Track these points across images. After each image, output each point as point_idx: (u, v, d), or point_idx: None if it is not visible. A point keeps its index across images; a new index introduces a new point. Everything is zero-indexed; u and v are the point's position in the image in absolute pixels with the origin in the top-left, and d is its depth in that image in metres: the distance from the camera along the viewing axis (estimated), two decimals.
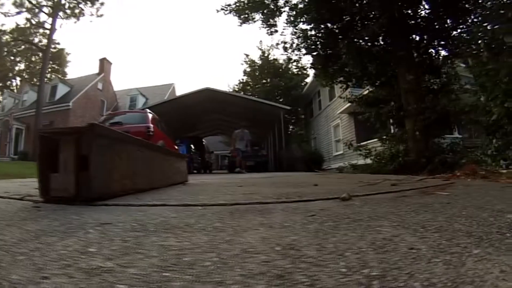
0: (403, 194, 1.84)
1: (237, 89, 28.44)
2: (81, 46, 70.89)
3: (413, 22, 6.41)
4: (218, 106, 18.05)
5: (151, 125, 7.73)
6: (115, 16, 69.38)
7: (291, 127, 25.37)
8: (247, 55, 29.15)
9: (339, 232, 0.92)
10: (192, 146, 16.05)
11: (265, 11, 7.22)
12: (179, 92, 26.40)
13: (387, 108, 6.94)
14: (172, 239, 0.86)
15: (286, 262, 0.65)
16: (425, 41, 6.46)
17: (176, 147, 11.25)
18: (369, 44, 6.74)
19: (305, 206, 1.44)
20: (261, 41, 28.40)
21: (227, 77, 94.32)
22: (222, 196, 2.01)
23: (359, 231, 0.93)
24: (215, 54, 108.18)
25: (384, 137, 7.27)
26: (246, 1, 7.06)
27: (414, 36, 6.53)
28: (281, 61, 26.16)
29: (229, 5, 7.22)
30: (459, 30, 6.29)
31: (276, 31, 7.67)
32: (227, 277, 0.57)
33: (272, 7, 7.17)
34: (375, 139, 8.06)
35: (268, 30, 7.59)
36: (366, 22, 6.40)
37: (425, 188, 2.10)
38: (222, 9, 7.20)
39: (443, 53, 6.70)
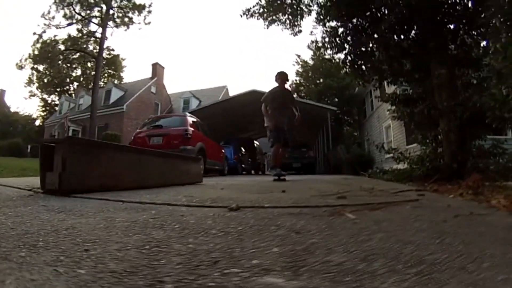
0: (306, 212, 1.70)
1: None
2: (136, 51, 77.32)
3: (446, 9, 6.21)
4: None
5: (189, 128, 8.60)
6: (168, 21, 74.80)
7: (345, 128, 25.19)
8: (298, 56, 29.65)
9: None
10: (241, 147, 16.91)
11: (288, 11, 7.61)
12: (232, 94, 27.74)
13: (421, 107, 6.85)
14: (82, 220, 1.44)
15: None
16: (461, 31, 6.25)
17: (222, 149, 12.18)
18: (399, 37, 6.71)
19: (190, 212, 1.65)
20: (312, 41, 28.86)
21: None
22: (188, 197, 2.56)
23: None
24: (267, 55, 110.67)
25: (420, 139, 7.15)
26: (264, 4, 7.52)
27: (449, 26, 6.33)
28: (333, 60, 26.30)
29: (249, 9, 7.75)
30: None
31: (300, 31, 8.02)
32: None
33: (294, 7, 7.53)
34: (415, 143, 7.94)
35: (291, 31, 7.99)
36: (385, 14, 6.44)
37: (366, 205, 1.93)
38: (244, 13, 7.76)
39: (484, 43, 6.41)
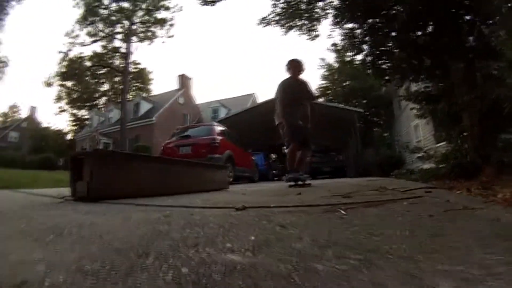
0: (304, 210, 1.83)
1: (317, 95, 29.23)
2: (163, 63, 79.97)
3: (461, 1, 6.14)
4: None
5: (217, 137, 8.97)
6: (193, 31, 76.99)
7: (375, 129, 24.87)
8: (323, 59, 29.68)
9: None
10: (271, 153, 17.19)
11: (304, 17, 7.77)
12: (260, 101, 28.22)
13: (442, 103, 6.77)
14: (103, 218, 1.71)
15: None
16: (478, 21, 6.14)
17: (252, 156, 12.54)
18: (415, 34, 6.70)
19: (202, 212, 1.80)
20: (331, 44, 28.87)
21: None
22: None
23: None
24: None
25: (444, 136, 7.07)
26: (279, 12, 7.72)
27: (465, 17, 6.24)
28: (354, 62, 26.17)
29: (264, 18, 7.97)
30: None
31: (317, 36, 8.15)
32: None
33: (310, 12, 7.69)
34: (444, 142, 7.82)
35: (309, 36, 8.14)
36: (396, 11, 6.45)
37: (366, 203, 2.01)
38: (260, 22, 8.01)
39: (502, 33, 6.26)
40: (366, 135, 20.45)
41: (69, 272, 0.71)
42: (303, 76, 5.53)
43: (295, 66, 5.35)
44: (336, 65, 27.94)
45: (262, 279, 0.66)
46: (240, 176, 10.28)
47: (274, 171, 17.09)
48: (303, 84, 5.43)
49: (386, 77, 8.01)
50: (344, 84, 26.77)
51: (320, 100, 27.71)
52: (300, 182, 4.98)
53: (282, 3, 7.72)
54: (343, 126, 18.29)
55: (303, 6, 7.74)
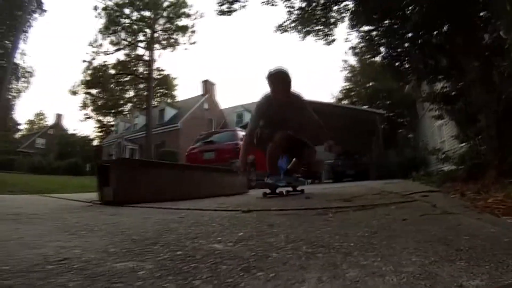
0: (299, 213, 2.09)
1: (340, 97, 29.29)
2: (187, 69, 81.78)
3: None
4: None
5: (240, 142, 9.29)
6: (215, 37, 78.51)
7: (399, 130, 24.62)
8: (345, 61, 29.68)
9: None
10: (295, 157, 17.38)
11: (320, 21, 7.96)
12: None
13: (459, 104, 6.76)
14: (127, 219, 2.04)
15: None
16: (492, 20, 6.12)
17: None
18: (430, 34, 6.74)
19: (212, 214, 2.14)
20: (349, 47, 28.86)
21: (328, 84, 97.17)
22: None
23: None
24: (314, 62, 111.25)
25: (461, 137, 7.03)
26: (295, 18, 7.96)
27: (479, 14, 6.22)
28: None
29: (281, 25, 8.23)
30: None
31: (334, 40, 8.33)
32: None
33: (325, 17, 7.87)
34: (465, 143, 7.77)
35: (325, 41, 8.34)
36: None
37: (358, 207, 2.21)
38: (277, 29, 8.27)
39: None
40: (390, 136, 20.28)
41: (98, 253, 1.02)
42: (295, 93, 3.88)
43: (276, 81, 3.68)
44: (357, 66, 27.88)
45: (227, 259, 0.95)
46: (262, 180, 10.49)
47: (298, 175, 17.22)
48: (296, 102, 3.84)
49: (404, 79, 8.04)
50: (367, 85, 26.65)
51: (344, 102, 27.74)
52: (281, 190, 4.09)
53: (297, 10, 7.96)
54: (366, 129, 18.37)
55: (318, 12, 7.94)
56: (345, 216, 1.87)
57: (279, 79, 3.66)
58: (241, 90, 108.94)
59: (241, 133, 10.01)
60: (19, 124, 51.50)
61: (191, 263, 0.90)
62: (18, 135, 51.56)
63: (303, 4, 8.03)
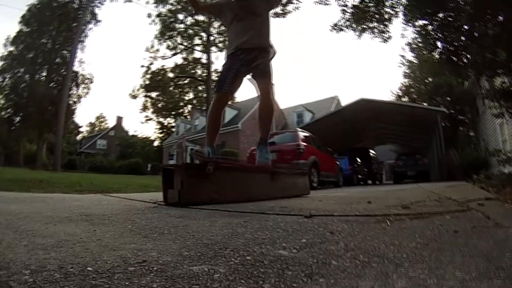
0: (350, 220, 2.12)
1: (400, 94, 28.10)
2: None
3: None
4: (376, 115, 19.16)
5: (301, 143, 9.43)
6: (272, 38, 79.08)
7: (460, 128, 23.00)
8: (403, 56, 28.35)
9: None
10: (356, 157, 17.07)
11: (375, 18, 7.75)
12: (344, 103, 28.04)
13: None
14: (194, 222, 2.18)
15: None
16: None
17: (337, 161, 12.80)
18: (485, 26, 6.27)
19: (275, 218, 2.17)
20: (409, 43, 27.52)
21: (387, 82, 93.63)
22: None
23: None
24: (374, 59, 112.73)
25: None
26: (349, 17, 7.82)
27: None
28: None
29: (336, 24, 8.15)
30: None
31: (390, 37, 8.11)
32: None
33: (379, 13, 7.64)
34: None
35: (381, 39, 8.09)
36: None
37: (412, 215, 2.20)
38: (333, 28, 8.19)
39: None
40: (452, 135, 18.98)
41: (173, 256, 1.14)
42: None
43: None
44: (415, 61, 26.41)
45: (292, 265, 1.05)
46: (325, 181, 10.47)
47: (359, 175, 16.79)
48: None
49: (462, 74, 7.60)
50: (427, 81, 25.14)
51: (403, 99, 26.42)
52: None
53: (351, 8, 7.85)
54: (426, 127, 17.69)
55: (372, 8, 7.74)
56: (402, 224, 1.87)
57: None
58: (299, 90, 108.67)
59: (302, 134, 10.04)
60: (80, 127, 56.26)
61: (260, 268, 1.00)
62: (79, 137, 56.42)
63: (356, 1, 7.97)
